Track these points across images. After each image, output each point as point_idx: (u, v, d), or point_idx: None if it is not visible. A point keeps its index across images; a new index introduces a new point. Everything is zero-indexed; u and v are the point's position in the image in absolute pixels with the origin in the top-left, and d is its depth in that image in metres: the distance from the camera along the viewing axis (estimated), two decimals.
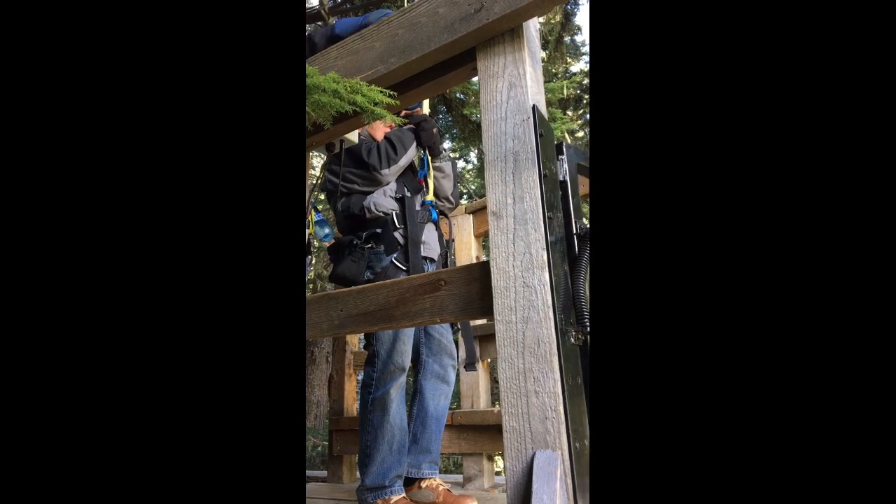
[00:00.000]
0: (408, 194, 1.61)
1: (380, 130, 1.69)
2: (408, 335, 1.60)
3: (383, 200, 1.58)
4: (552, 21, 6.24)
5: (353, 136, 1.68)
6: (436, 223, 1.72)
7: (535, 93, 0.95)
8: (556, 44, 6.55)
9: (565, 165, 0.92)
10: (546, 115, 0.99)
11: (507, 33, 0.98)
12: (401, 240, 1.57)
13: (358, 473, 1.65)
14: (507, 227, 0.89)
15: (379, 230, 1.56)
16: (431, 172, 1.71)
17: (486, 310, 0.89)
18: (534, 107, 0.92)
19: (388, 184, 1.60)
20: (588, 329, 0.83)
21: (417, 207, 1.63)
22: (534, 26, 1.04)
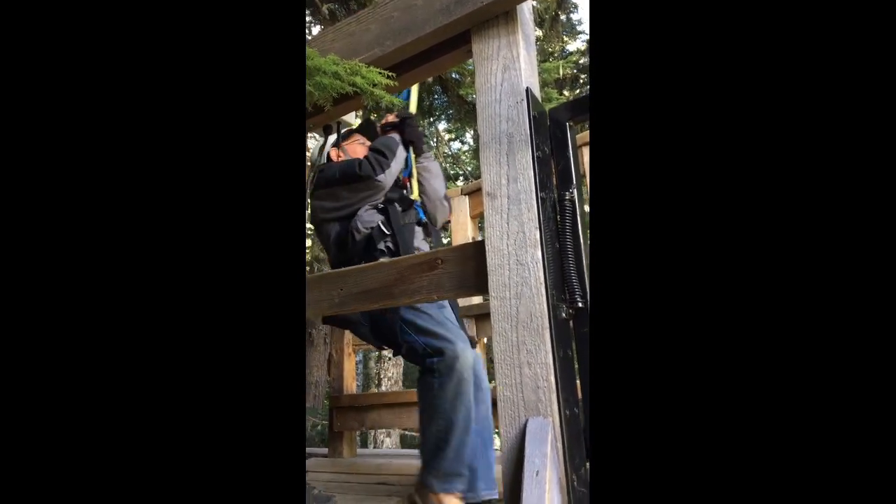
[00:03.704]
0: (397, 208, 1.57)
1: (360, 151, 1.67)
2: (446, 308, 1.48)
3: (366, 216, 1.53)
4: None
5: (350, 119, 1.69)
6: (425, 225, 1.64)
7: (528, 75, 0.98)
8: (552, 22, 6.47)
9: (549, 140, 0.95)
10: (539, 97, 1.01)
11: (501, 16, 0.99)
12: (392, 246, 1.49)
13: (421, 461, 1.43)
14: (502, 207, 0.92)
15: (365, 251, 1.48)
16: (415, 172, 1.69)
17: (481, 287, 0.93)
18: (527, 89, 0.94)
19: (386, 188, 1.56)
20: (579, 304, 0.86)
21: (401, 210, 1.58)
22: (527, 9, 1.06)
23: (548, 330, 0.83)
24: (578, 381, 0.87)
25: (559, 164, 0.95)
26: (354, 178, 1.52)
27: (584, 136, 1.80)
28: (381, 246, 1.49)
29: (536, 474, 0.73)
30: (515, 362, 0.84)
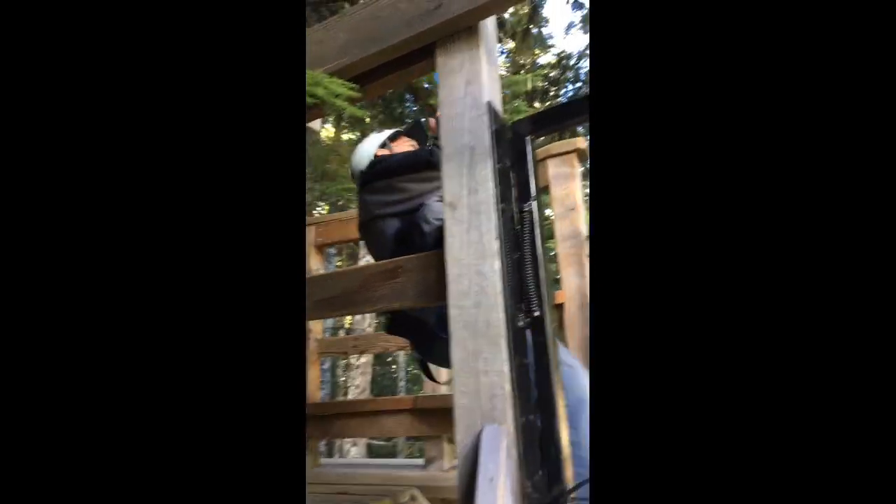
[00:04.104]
0: None
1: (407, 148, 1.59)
2: None
3: (437, 206, 1.36)
4: (520, 12, 6.29)
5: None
6: None
7: (490, 89, 1.00)
8: (524, 35, 6.61)
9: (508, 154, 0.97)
10: (501, 111, 1.03)
11: (465, 31, 1.02)
12: None
13: None
14: (462, 217, 0.94)
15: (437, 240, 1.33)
16: None
17: (442, 295, 0.94)
18: (488, 103, 0.97)
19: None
20: (535, 313, 0.89)
21: None
22: (491, 24, 1.08)
23: (504, 338, 0.84)
24: (536, 390, 0.89)
25: (519, 177, 0.97)
26: (424, 165, 1.40)
27: (548, 148, 1.84)
28: None
29: (490, 481, 0.75)
30: (473, 370, 0.85)
